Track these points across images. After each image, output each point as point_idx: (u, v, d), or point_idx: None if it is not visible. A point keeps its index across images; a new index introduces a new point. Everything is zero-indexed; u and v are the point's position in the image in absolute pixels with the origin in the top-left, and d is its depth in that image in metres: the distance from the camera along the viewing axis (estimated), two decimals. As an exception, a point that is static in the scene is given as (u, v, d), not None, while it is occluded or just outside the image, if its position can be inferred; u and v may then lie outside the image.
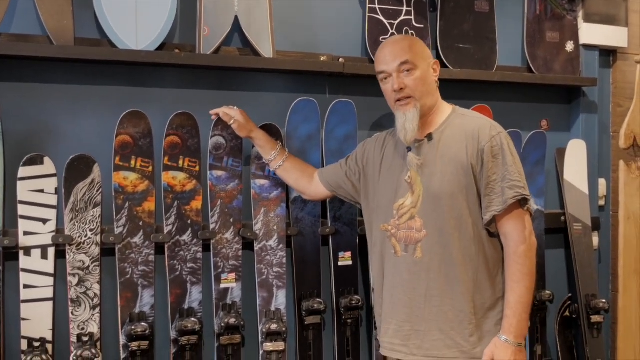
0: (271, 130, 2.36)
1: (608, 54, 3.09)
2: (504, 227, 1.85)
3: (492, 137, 1.86)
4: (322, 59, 2.48)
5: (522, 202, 1.84)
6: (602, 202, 3.04)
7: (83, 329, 2.12)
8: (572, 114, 3.02)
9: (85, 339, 2.11)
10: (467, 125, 1.91)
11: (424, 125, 1.95)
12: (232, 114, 2.21)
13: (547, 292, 2.77)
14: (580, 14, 2.97)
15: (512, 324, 1.80)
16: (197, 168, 2.28)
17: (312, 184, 2.24)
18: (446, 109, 2.00)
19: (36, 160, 2.08)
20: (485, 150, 1.85)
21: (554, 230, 2.90)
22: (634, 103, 2.90)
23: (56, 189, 2.11)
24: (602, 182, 3.02)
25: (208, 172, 2.30)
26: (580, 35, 2.97)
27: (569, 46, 2.95)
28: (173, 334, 2.23)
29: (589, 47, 2.99)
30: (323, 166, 2.46)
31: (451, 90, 2.71)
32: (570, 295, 2.91)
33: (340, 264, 2.49)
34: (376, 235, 2.03)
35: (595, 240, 2.96)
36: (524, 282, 1.81)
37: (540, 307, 2.81)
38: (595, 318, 2.80)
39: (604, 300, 2.80)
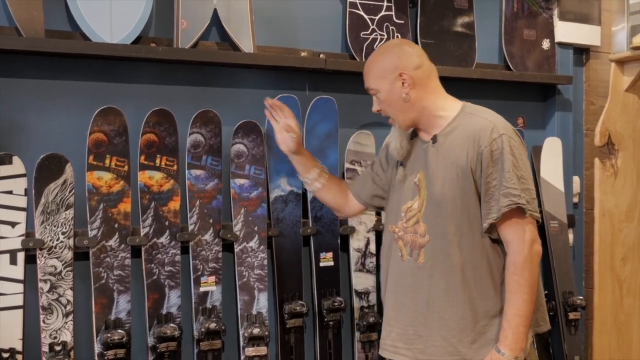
0: (251, 128, 2.28)
1: (581, 52, 3.11)
2: (504, 235, 1.77)
3: (493, 140, 1.75)
4: (303, 54, 2.42)
5: (523, 210, 1.73)
6: (575, 200, 3.06)
7: (55, 337, 2.01)
8: (547, 112, 3.04)
9: (58, 348, 2.00)
10: (471, 127, 1.80)
11: (428, 128, 1.88)
12: (293, 124, 2.09)
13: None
14: (556, 12, 2.99)
15: (508, 337, 1.72)
16: (175, 167, 2.19)
17: (348, 201, 2.14)
18: (453, 107, 1.88)
19: (4, 160, 1.96)
20: (484, 154, 1.75)
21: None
22: (608, 101, 2.93)
23: (26, 190, 2.00)
24: (576, 180, 3.04)
25: (186, 172, 2.21)
26: (555, 33, 2.98)
27: (545, 44, 2.95)
28: (151, 341, 2.14)
29: (563, 45, 3.01)
30: (304, 165, 2.40)
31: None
32: (546, 292, 2.92)
33: (321, 264, 2.44)
34: (385, 236, 1.98)
35: (571, 237, 2.98)
36: (521, 293, 1.72)
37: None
38: (572, 315, 2.81)
39: (581, 297, 2.82)
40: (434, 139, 1.86)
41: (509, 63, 2.86)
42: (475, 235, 1.79)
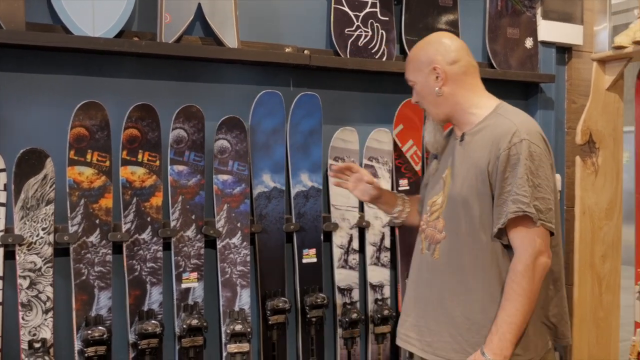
0: (234, 123, 2.27)
1: (563, 51, 3.13)
2: (512, 241, 1.71)
3: (513, 144, 1.69)
4: (287, 50, 2.41)
5: (532, 218, 1.67)
6: (556, 197, 3.08)
7: (35, 334, 1.98)
8: (529, 110, 3.05)
9: (37, 345, 1.98)
10: (496, 129, 1.75)
11: (460, 125, 1.87)
12: (365, 175, 2.07)
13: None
14: (539, 11, 3.01)
15: (493, 341, 1.68)
16: (157, 163, 2.17)
17: None
18: (487, 106, 1.83)
19: (-17, 154, 1.94)
20: (501, 157, 1.70)
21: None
22: (590, 100, 2.95)
23: (5, 185, 1.97)
24: (557, 178, 3.06)
25: (169, 167, 2.19)
26: (538, 32, 3.00)
27: (528, 42, 2.97)
28: (132, 338, 2.12)
29: (546, 43, 3.03)
30: (287, 161, 2.40)
31: (416, 84, 2.71)
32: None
33: (304, 261, 2.43)
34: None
35: (551, 235, 3.01)
36: (515, 302, 1.67)
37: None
38: (552, 311, 2.83)
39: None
40: (462, 137, 1.85)
41: (492, 61, 2.87)
42: (487, 238, 1.75)
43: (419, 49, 1.90)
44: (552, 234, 1.73)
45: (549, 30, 3.01)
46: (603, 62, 2.95)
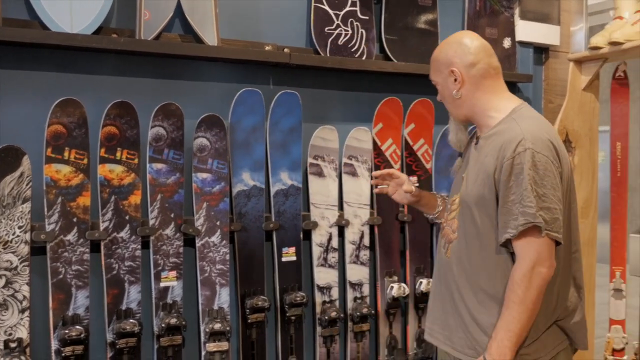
0: (214, 121, 2.26)
1: (540, 51, 3.17)
2: (515, 249, 1.70)
3: (517, 154, 1.68)
4: (267, 48, 2.40)
5: (540, 228, 1.65)
6: (533, 196, 3.11)
7: (10, 334, 1.96)
8: (507, 110, 3.08)
9: (13, 345, 1.95)
10: (505, 135, 1.74)
11: (480, 127, 1.87)
12: (410, 189, 2.10)
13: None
14: (517, 11, 3.04)
15: (492, 347, 1.69)
16: (136, 160, 2.15)
17: None
18: (505, 109, 1.82)
19: (-42, 152, 1.91)
20: (504, 166, 1.69)
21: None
22: (566, 100, 2.98)
23: (-20, 182, 1.94)
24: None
25: (147, 165, 2.18)
26: (516, 32, 3.03)
27: (506, 42, 3.00)
28: (110, 337, 2.11)
29: (524, 44, 3.06)
30: (267, 159, 2.40)
31: (395, 83, 2.74)
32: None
33: (284, 259, 2.43)
34: None
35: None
36: (511, 309, 1.67)
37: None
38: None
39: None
40: (477, 141, 1.86)
41: (471, 61, 2.89)
42: (492, 244, 1.76)
43: (439, 50, 1.90)
44: (558, 243, 1.70)
45: (527, 31, 3.05)
46: (579, 62, 2.99)
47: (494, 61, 1.86)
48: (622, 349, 2.94)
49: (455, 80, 1.84)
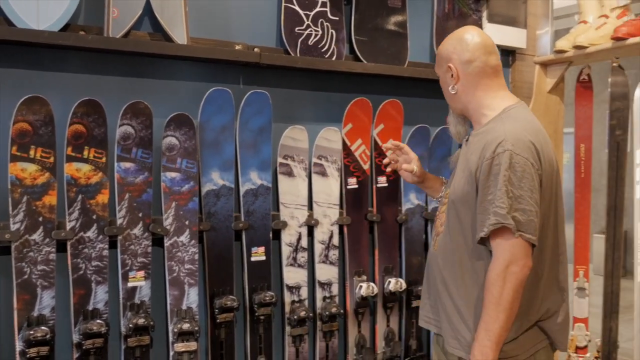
0: (183, 120, 2.25)
1: (507, 54, 3.22)
2: (492, 248, 1.73)
3: (497, 154, 1.70)
4: (237, 47, 2.40)
5: (512, 229, 1.67)
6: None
7: (-26, 335, 1.93)
8: (475, 111, 3.12)
9: (-23, 346, 1.92)
10: (489, 134, 1.77)
11: (474, 123, 1.93)
12: (410, 168, 2.15)
13: (452, 283, 2.86)
14: (485, 14, 3.08)
15: (474, 348, 1.72)
16: (104, 159, 2.13)
17: None
18: (497, 108, 1.85)
19: None
20: (484, 166, 1.73)
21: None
22: (532, 102, 3.03)
23: (-57, 181, 1.90)
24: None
25: (115, 164, 2.16)
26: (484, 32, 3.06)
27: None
28: (76, 338, 2.08)
29: (491, 46, 3.09)
30: (237, 158, 2.39)
31: (364, 84, 2.75)
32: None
33: (253, 259, 2.43)
34: None
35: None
36: (488, 309, 1.69)
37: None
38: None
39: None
40: (467, 138, 1.90)
41: (440, 62, 2.92)
42: (473, 240, 1.78)
43: (442, 44, 1.95)
44: (533, 245, 1.71)
45: (494, 33, 3.07)
46: (545, 65, 3.05)
47: (492, 59, 1.88)
48: (585, 347, 3.00)
49: (452, 76, 1.88)
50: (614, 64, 2.72)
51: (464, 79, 1.87)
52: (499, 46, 3.07)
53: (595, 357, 2.87)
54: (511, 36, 3.15)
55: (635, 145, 2.75)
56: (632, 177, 2.75)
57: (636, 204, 2.73)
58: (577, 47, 2.80)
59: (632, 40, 2.60)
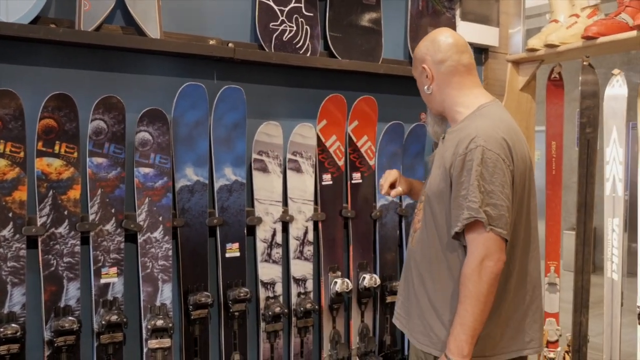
0: (156, 115, 2.23)
1: (480, 52, 3.25)
2: (466, 243, 1.75)
3: (469, 150, 1.74)
4: (211, 42, 2.38)
5: (484, 223, 1.70)
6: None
7: (-59, 333, 1.89)
8: (448, 108, 3.14)
9: (-56, 344, 1.89)
10: (463, 131, 1.81)
11: (450, 121, 1.95)
12: (398, 192, 2.14)
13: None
14: (458, 12, 3.10)
15: (451, 343, 1.74)
16: (75, 154, 2.10)
17: None
18: (472, 105, 1.88)
19: None
20: (457, 162, 1.76)
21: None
22: (504, 99, 3.06)
23: None
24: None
25: (87, 159, 2.13)
26: (457, 32, 3.09)
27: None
28: (47, 335, 2.05)
29: (464, 44, 3.12)
30: (211, 154, 2.38)
31: (339, 80, 2.75)
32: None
33: (227, 255, 2.42)
34: None
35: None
36: (464, 304, 1.71)
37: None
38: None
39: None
40: (444, 136, 1.93)
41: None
42: (448, 236, 1.81)
43: (417, 46, 1.99)
44: (506, 240, 1.74)
45: (467, 31, 3.11)
46: (517, 63, 3.08)
47: (464, 58, 1.90)
48: (556, 341, 3.04)
49: (427, 76, 1.92)
50: (585, 63, 2.76)
51: (438, 79, 1.91)
52: (471, 44, 3.15)
53: (566, 351, 2.91)
54: (484, 34, 3.18)
55: (605, 142, 2.79)
56: (602, 174, 2.79)
57: (606, 201, 2.78)
58: (549, 46, 2.83)
59: (602, 39, 2.64)
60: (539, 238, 1.95)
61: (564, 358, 2.95)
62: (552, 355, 3.00)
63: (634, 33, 2.51)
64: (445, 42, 1.90)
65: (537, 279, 1.91)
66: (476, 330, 1.73)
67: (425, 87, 1.95)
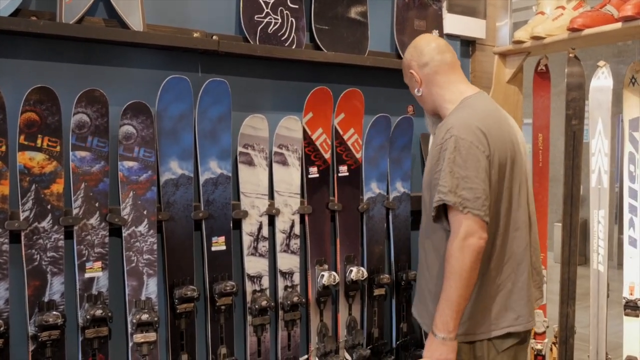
0: (140, 108, 2.21)
1: (468, 44, 3.25)
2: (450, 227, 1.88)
3: (445, 140, 1.87)
4: (195, 35, 2.37)
5: (454, 206, 1.81)
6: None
7: None
8: (435, 101, 3.14)
9: None
10: (444, 124, 1.95)
11: (442, 118, 2.06)
12: None
13: (413, 272, 2.89)
14: (444, 4, 3.09)
15: (436, 318, 1.85)
16: (58, 148, 2.09)
17: None
18: (456, 99, 2.01)
19: None
20: (434, 152, 1.92)
21: (420, 212, 3.00)
22: (491, 92, 3.06)
23: None
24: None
25: (70, 153, 2.12)
26: (444, 24, 3.09)
27: (434, 34, 3.05)
28: (31, 330, 2.04)
29: (451, 36, 3.12)
30: (196, 147, 2.36)
31: (325, 73, 2.75)
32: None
33: (213, 249, 2.41)
34: None
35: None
36: (449, 280, 1.81)
37: (406, 287, 2.93)
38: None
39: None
40: (434, 131, 2.06)
41: (400, 51, 2.93)
42: (436, 224, 1.94)
43: (404, 55, 2.14)
44: (484, 221, 1.82)
45: (454, 24, 3.11)
46: (504, 55, 3.08)
47: (446, 57, 2.05)
48: (543, 333, 3.05)
49: (415, 81, 2.07)
50: (570, 55, 2.76)
51: (425, 80, 2.06)
52: (458, 36, 3.15)
53: (553, 343, 2.92)
54: (471, 27, 3.18)
55: (591, 134, 2.80)
56: (589, 166, 2.80)
57: (592, 193, 2.78)
58: (535, 38, 2.83)
59: (587, 31, 2.64)
60: (532, 219, 2.05)
61: (551, 349, 2.96)
62: (539, 346, 3.02)
63: (619, 25, 2.51)
64: (427, 45, 2.06)
65: (522, 255, 1.98)
66: (460, 306, 1.82)
67: (416, 90, 2.10)
